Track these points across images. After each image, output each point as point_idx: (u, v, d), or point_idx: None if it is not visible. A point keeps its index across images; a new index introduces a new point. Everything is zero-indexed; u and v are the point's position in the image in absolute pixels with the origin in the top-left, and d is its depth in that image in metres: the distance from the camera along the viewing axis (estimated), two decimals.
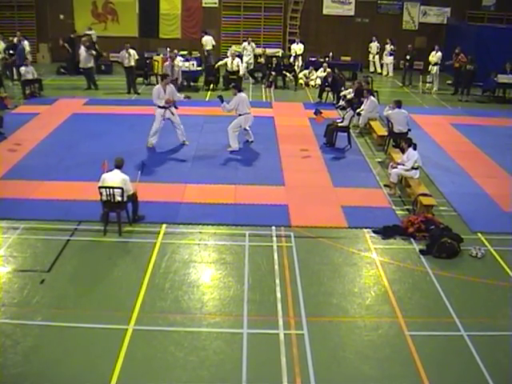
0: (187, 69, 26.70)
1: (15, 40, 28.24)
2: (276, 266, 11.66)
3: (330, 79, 25.42)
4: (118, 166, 12.84)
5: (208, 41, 30.55)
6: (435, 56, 28.85)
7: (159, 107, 18.28)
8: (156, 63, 27.94)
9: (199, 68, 27.95)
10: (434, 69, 28.90)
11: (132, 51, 25.66)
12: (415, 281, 11.42)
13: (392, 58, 32.35)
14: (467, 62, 27.22)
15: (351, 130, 19.82)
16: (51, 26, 32.36)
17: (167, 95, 18.15)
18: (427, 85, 28.94)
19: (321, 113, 20.05)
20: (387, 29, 33.39)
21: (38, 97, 24.69)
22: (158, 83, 27.22)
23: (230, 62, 27.43)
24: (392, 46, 31.99)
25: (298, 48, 31.20)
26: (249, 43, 30.49)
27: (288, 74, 28.51)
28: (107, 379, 8.40)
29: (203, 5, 33.58)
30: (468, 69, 27.16)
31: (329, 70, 26.17)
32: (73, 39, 29.67)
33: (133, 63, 25.78)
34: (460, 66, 27.61)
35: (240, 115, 18.40)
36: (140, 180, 13.59)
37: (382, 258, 12.21)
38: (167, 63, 25.22)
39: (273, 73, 28.24)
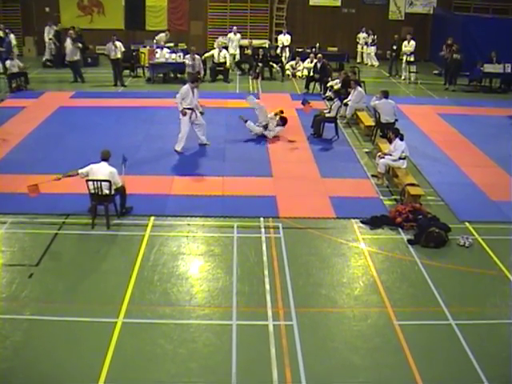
0: (174, 61, 26.62)
1: (1, 33, 28.06)
2: (264, 258, 11.68)
3: (319, 65, 25.37)
4: (105, 159, 12.79)
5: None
6: (409, 45, 28.86)
7: (182, 113, 17.29)
8: (143, 55, 27.89)
9: (185, 60, 27.87)
10: (411, 58, 28.91)
11: (118, 43, 25.51)
12: (403, 270, 11.46)
13: (373, 48, 32.52)
14: (454, 52, 27.28)
15: (338, 121, 19.83)
16: (37, 19, 32.14)
17: (195, 99, 17.49)
18: (412, 75, 28.94)
19: (308, 103, 20.08)
20: (374, 19, 33.44)
21: (24, 90, 24.54)
22: (144, 75, 27.49)
23: (217, 54, 27.40)
24: (372, 36, 32.15)
25: (284, 39, 31.10)
26: (235, 34, 30.41)
27: (275, 65, 28.47)
28: (97, 372, 8.39)
29: None
30: (454, 58, 27.21)
31: (320, 55, 26.04)
32: (58, 32, 29.52)
33: (119, 55, 25.64)
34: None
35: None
36: (126, 173, 13.55)
37: (370, 248, 12.24)
38: (188, 56, 25.05)
39: (260, 64, 28.19)
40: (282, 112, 19.28)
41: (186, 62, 25.21)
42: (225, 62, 27.45)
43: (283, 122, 19.08)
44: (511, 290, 10.92)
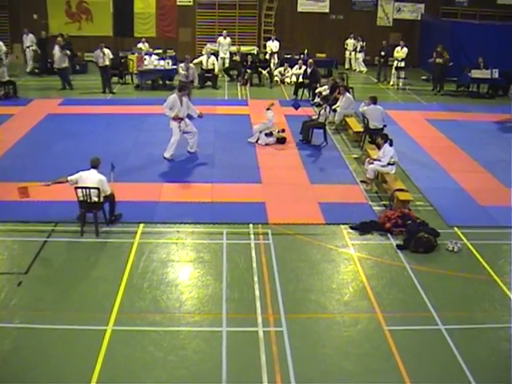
0: (162, 67, 26.61)
1: None
2: (254, 264, 11.68)
3: (309, 70, 25.39)
4: (94, 166, 12.77)
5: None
6: (401, 52, 28.97)
7: (174, 119, 17.28)
8: (131, 62, 27.84)
9: (175, 66, 27.83)
10: (402, 64, 29.04)
11: (106, 50, 25.47)
12: (393, 276, 11.49)
13: (362, 54, 32.65)
14: (436, 57, 27.43)
15: (327, 127, 19.87)
16: (24, 26, 32.01)
17: (183, 108, 17.32)
18: (400, 81, 29.12)
19: (299, 106, 20.24)
20: (362, 25, 33.56)
21: (12, 98, 24.40)
22: (133, 82, 27.46)
23: (206, 60, 27.41)
24: (361, 43, 32.27)
25: (273, 45, 31.14)
26: (225, 37, 30.50)
27: (263, 72, 28.48)
28: (87, 380, 8.36)
29: (178, 3, 33.47)
30: (437, 62, 27.39)
31: (311, 60, 26.07)
32: (43, 40, 29.37)
33: (107, 62, 25.59)
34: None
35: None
36: (115, 180, 13.53)
37: (359, 254, 12.27)
38: (182, 65, 24.74)
39: (248, 70, 28.22)
40: (283, 131, 19.46)
41: (180, 70, 24.83)
42: (213, 69, 27.48)
43: (282, 140, 19.21)
44: (500, 295, 10.97)
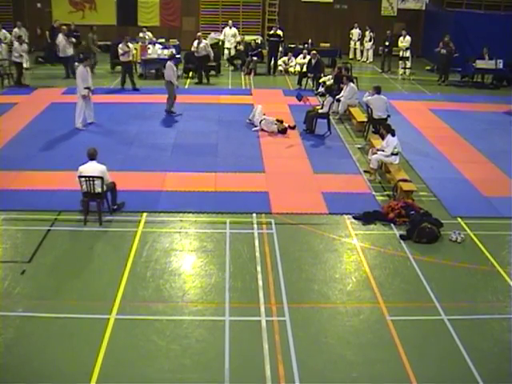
0: (166, 56, 26.45)
1: None
2: (257, 253, 11.68)
3: (313, 61, 25.30)
4: (93, 158, 12.69)
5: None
6: (405, 41, 28.92)
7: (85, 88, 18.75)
8: (135, 51, 27.70)
9: (178, 56, 27.73)
10: (407, 53, 29.00)
11: (131, 45, 24.50)
12: (396, 266, 11.49)
13: (371, 43, 32.50)
14: (442, 47, 27.37)
15: (331, 117, 19.84)
16: (28, 14, 31.99)
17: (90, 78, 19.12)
18: (407, 70, 29.05)
19: (302, 97, 20.11)
20: (366, 15, 33.44)
21: (14, 86, 24.37)
22: (136, 71, 27.29)
23: (196, 46, 26.73)
24: (372, 33, 32.12)
25: None
26: (230, 28, 30.33)
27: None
28: (90, 369, 8.38)
29: None
30: (441, 53, 27.34)
31: (314, 52, 25.96)
32: (55, 28, 29.13)
33: (130, 57, 24.37)
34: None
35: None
36: (118, 169, 13.50)
37: (362, 244, 12.27)
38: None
39: (254, 58, 28.14)
40: (281, 122, 19.38)
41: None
42: (207, 55, 26.64)
43: (282, 131, 19.16)
44: (503, 286, 10.96)
